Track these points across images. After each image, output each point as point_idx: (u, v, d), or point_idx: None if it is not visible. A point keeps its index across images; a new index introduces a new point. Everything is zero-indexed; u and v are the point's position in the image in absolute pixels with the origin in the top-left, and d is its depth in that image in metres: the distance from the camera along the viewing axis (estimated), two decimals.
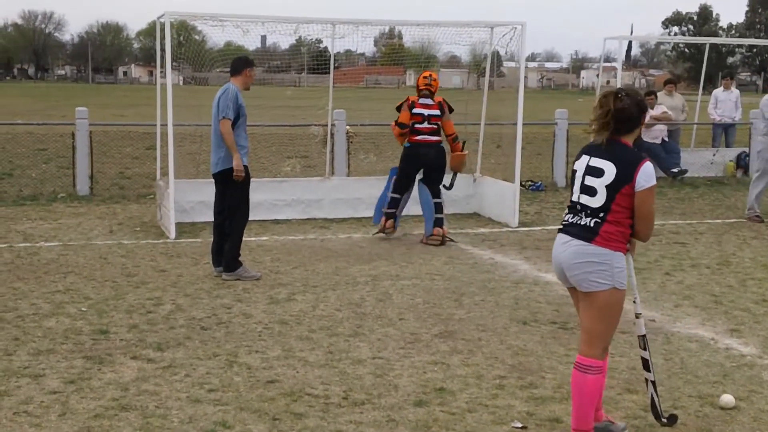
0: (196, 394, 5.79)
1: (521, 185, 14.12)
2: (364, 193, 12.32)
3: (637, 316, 5.41)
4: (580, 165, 4.95)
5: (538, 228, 12.25)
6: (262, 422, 5.36)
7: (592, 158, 4.90)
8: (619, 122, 4.82)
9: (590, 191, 4.84)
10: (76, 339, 6.92)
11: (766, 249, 11.04)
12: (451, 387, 6.02)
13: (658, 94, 18.38)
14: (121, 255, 10.05)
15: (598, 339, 4.90)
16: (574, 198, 4.94)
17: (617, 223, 4.77)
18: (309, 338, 7.07)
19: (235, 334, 7.13)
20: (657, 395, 5.40)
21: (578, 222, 4.86)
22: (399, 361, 6.54)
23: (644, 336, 5.40)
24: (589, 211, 4.83)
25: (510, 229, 12.16)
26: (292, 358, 6.56)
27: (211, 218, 12.02)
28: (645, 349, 5.39)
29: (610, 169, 4.79)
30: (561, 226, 5.02)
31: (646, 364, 5.42)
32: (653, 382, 5.41)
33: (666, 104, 18.88)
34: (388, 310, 7.94)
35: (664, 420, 5.39)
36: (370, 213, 12.40)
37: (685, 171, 17.61)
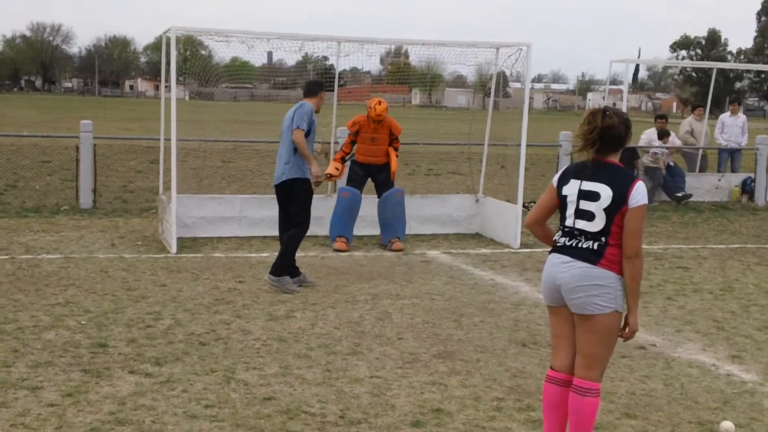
0: (193, 410, 5.77)
1: (524, 206, 14.10)
2: (366, 211, 12.30)
3: None
4: (571, 190, 4.88)
5: (540, 249, 12.22)
6: None
7: (584, 182, 4.84)
8: (605, 140, 4.79)
9: (587, 216, 4.80)
10: (75, 352, 6.91)
11: None
12: (449, 408, 5.99)
13: (687, 120, 18.58)
14: (122, 269, 10.04)
15: (598, 363, 4.87)
16: (569, 223, 4.88)
17: (618, 245, 4.76)
18: (307, 356, 7.05)
19: (233, 351, 7.11)
20: None
21: (578, 245, 4.82)
22: (397, 381, 6.51)
23: None
24: (589, 236, 4.79)
25: (512, 251, 12.13)
26: (290, 376, 6.53)
27: (213, 234, 12.14)
28: None
29: (605, 192, 4.76)
30: (556, 248, 4.98)
31: None
32: None
33: (696, 129, 19.02)
34: (387, 329, 7.91)
35: None
36: (372, 231, 12.43)
37: (690, 195, 17.61)
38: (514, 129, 12.76)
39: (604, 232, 4.75)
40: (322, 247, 11.81)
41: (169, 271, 10.00)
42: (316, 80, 10.09)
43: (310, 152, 9.31)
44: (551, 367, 5.08)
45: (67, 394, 5.97)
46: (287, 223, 9.43)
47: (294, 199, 9.34)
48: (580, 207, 4.83)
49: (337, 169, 11.97)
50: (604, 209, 4.75)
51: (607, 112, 4.81)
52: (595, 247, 4.77)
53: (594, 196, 4.78)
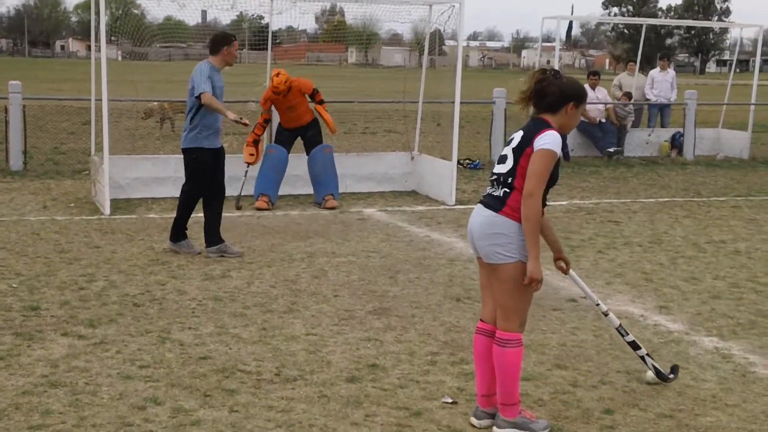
0: (127, 371, 5.76)
1: (459, 163, 14.22)
2: (302, 169, 12.29)
3: (605, 314, 5.77)
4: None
5: (475, 206, 12.33)
6: (194, 398, 5.35)
7: (514, 133, 5.03)
8: (537, 100, 4.94)
9: (503, 159, 4.96)
10: (6, 315, 6.83)
11: (697, 228, 11.26)
12: (384, 363, 6.07)
13: (618, 76, 18.82)
14: (54, 231, 9.91)
15: (513, 313, 4.93)
16: (493, 170, 5.03)
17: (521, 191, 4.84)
18: (243, 315, 7.06)
19: (169, 311, 7.10)
20: (655, 362, 5.83)
21: (492, 193, 4.95)
22: (332, 338, 6.57)
23: (620, 325, 5.80)
24: (501, 179, 4.90)
25: (447, 207, 12.23)
26: (225, 335, 6.55)
27: (147, 194, 12.03)
28: (626, 334, 5.82)
29: (518, 135, 4.93)
30: (480, 198, 5.10)
31: (633, 345, 5.83)
32: (647, 355, 5.83)
33: (626, 84, 19.35)
34: (323, 287, 7.96)
35: (671, 376, 5.82)
36: (309, 190, 12.40)
37: (621, 151, 17.88)
38: (449, 87, 12.81)
39: (511, 172, 4.84)
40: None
41: (102, 233, 9.90)
42: (220, 34, 9.41)
43: (216, 120, 8.94)
44: (480, 319, 5.18)
45: None
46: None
47: (184, 166, 9.16)
48: (501, 153, 5.00)
49: (251, 155, 11.88)
50: (513, 149, 4.88)
51: (545, 74, 4.94)
52: (501, 194, 4.86)
53: (511, 141, 4.96)
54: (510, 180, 4.85)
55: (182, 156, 9.19)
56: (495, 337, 4.99)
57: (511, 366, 4.94)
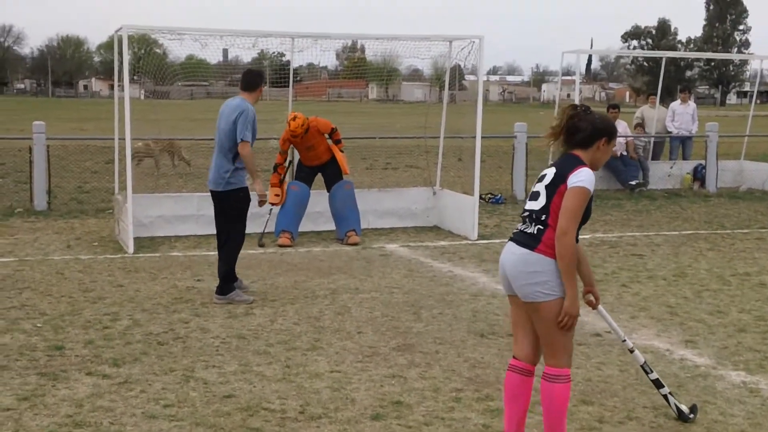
0: (152, 410, 5.76)
1: (481, 198, 14.21)
2: (323, 206, 12.32)
3: (631, 350, 5.74)
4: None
5: (498, 241, 12.31)
6: None
7: (545, 169, 5.01)
8: (567, 135, 4.95)
9: (535, 196, 4.94)
10: (31, 355, 6.85)
11: (721, 260, 11.18)
12: (408, 400, 6.04)
13: (640, 108, 18.85)
14: (78, 270, 9.96)
15: (560, 349, 4.91)
16: (525, 207, 5.02)
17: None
18: (266, 352, 7.05)
19: (192, 349, 7.10)
20: (677, 402, 5.81)
21: (525, 230, 4.93)
22: (356, 375, 6.54)
23: (644, 363, 5.79)
24: (533, 216, 4.88)
25: (469, 242, 12.21)
26: (249, 373, 6.54)
27: (171, 233, 12.08)
28: (650, 372, 5.79)
29: (550, 172, 4.92)
30: (511, 235, 5.08)
31: (656, 383, 5.80)
32: (669, 393, 5.79)
33: (648, 116, 19.37)
34: (346, 324, 7.94)
35: (691, 416, 5.76)
36: (330, 226, 12.42)
37: (644, 183, 17.83)
38: (470, 121, 12.84)
39: (545, 210, 4.83)
40: None
41: (126, 272, 9.94)
42: (256, 71, 9.25)
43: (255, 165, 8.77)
44: (513, 356, 5.14)
45: (23, 398, 5.93)
46: (223, 234, 8.95)
47: (230, 210, 8.81)
48: (533, 189, 4.99)
49: (277, 195, 11.84)
50: (545, 186, 4.87)
51: (576, 110, 4.98)
52: (535, 232, 4.85)
53: (543, 178, 4.94)
54: (544, 217, 4.83)
55: (209, 195, 8.93)
56: (543, 372, 4.96)
57: (559, 401, 4.91)
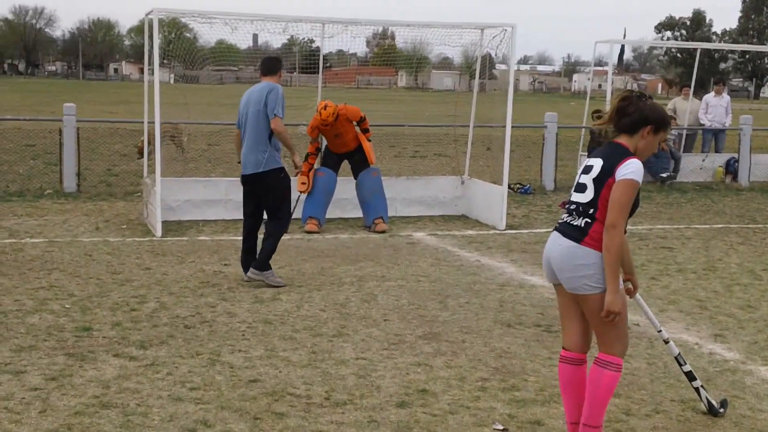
0: (178, 393, 5.77)
1: (509, 188, 14.13)
2: (351, 193, 12.31)
3: (666, 341, 5.70)
4: (581, 169, 4.99)
5: (526, 231, 12.26)
6: (243, 421, 5.34)
7: (589, 158, 4.95)
8: (617, 121, 4.88)
9: (581, 188, 4.86)
10: (59, 336, 6.89)
11: (752, 255, 11.06)
12: (434, 389, 6.01)
13: (677, 98, 18.72)
14: (106, 252, 10.01)
15: (614, 339, 4.86)
16: (570, 198, 4.96)
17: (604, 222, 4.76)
18: (292, 338, 7.05)
19: (219, 333, 7.11)
20: (709, 396, 5.75)
21: (571, 222, 4.85)
22: (382, 362, 6.53)
23: (679, 354, 5.73)
24: (581, 209, 4.81)
25: (497, 232, 12.15)
26: (275, 358, 6.54)
27: (198, 216, 12.12)
28: (684, 364, 5.74)
29: (597, 164, 4.82)
30: (556, 225, 5.02)
31: (689, 376, 5.74)
32: (701, 387, 5.72)
33: (681, 108, 19.18)
34: (372, 311, 7.93)
35: (721, 411, 5.72)
36: (357, 213, 12.41)
37: (674, 176, 17.68)
38: (500, 111, 12.77)
39: (593, 203, 4.76)
40: None
41: (154, 255, 9.98)
42: (275, 56, 9.36)
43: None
44: (563, 347, 5.09)
45: (51, 378, 5.96)
46: (254, 210, 8.94)
47: (272, 191, 8.81)
48: (579, 181, 4.91)
49: (303, 183, 11.85)
50: (593, 179, 4.78)
51: (630, 94, 4.92)
52: (582, 225, 4.78)
53: (589, 169, 4.85)
54: (591, 211, 4.76)
55: (238, 180, 8.98)
56: (596, 357, 4.92)
57: (606, 388, 4.87)
